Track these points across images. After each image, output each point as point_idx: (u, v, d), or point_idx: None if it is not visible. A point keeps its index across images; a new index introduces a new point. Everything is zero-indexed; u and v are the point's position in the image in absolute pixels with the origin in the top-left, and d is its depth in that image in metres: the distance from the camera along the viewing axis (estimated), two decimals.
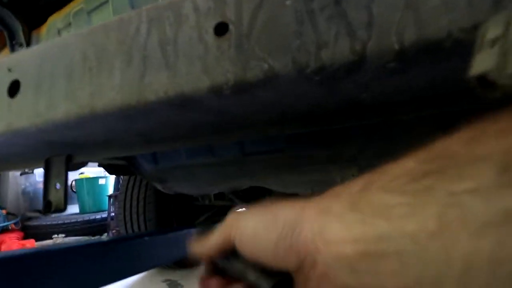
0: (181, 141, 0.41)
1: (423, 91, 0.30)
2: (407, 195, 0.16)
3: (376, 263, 0.16)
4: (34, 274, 0.25)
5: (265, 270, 0.22)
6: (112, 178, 3.16)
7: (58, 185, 0.47)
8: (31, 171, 3.40)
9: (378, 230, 0.16)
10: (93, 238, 2.79)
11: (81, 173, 3.39)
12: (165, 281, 1.38)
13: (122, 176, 1.39)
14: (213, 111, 0.30)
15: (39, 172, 3.35)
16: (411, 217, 0.15)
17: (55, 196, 0.47)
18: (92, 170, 3.41)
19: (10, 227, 2.91)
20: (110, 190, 3.16)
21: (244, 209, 0.25)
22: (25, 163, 0.53)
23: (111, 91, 0.28)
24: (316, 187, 0.63)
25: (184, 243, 0.54)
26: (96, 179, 3.25)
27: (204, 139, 0.40)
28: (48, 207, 0.46)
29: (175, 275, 1.44)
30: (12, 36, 0.68)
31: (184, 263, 1.46)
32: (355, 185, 0.19)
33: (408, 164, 0.17)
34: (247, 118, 0.34)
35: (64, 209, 0.46)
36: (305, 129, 0.37)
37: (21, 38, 0.67)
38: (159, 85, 0.26)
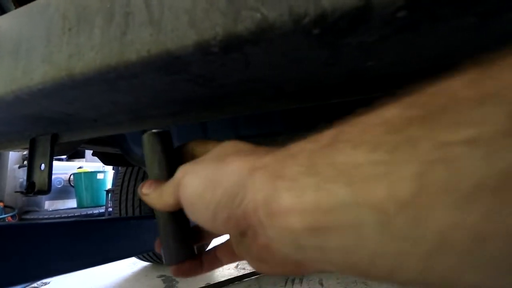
0: (170, 118, 0.38)
1: (438, 59, 0.27)
2: (381, 150, 0.12)
3: (326, 238, 0.14)
4: (22, 246, 0.22)
5: None
6: (110, 173, 3.14)
7: (43, 166, 0.45)
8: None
9: (333, 199, 0.13)
10: None
11: (80, 167, 3.37)
12: (160, 276, 1.36)
13: (120, 170, 1.37)
14: (201, 77, 0.27)
15: None
16: (380, 180, 0.12)
17: (40, 177, 0.44)
18: (90, 165, 3.40)
19: (7, 220, 2.89)
20: (109, 185, 3.14)
21: (193, 161, 0.23)
22: (9, 143, 0.50)
23: (90, 51, 0.26)
24: None
25: None
26: (94, 173, 3.23)
27: (195, 115, 0.37)
28: (31, 188, 0.43)
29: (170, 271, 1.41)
30: (3, 10, 0.66)
31: None
32: (320, 140, 0.15)
33: (389, 111, 0.13)
34: (239, 89, 0.31)
35: (48, 191, 0.43)
36: (303, 104, 0.34)
37: None
38: (141, 43, 0.24)
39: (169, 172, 0.27)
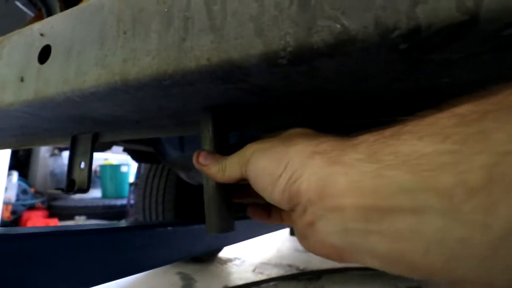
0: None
1: None
2: (451, 141, 0.13)
3: (378, 220, 0.14)
4: (51, 252, 0.22)
5: None
6: (134, 166, 3.23)
7: (83, 164, 0.45)
8: (59, 153, 3.55)
9: (396, 183, 0.14)
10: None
11: (106, 159, 3.49)
12: (178, 273, 1.37)
13: (143, 165, 1.39)
14: (258, 87, 0.26)
15: (66, 155, 3.48)
16: (448, 169, 0.12)
17: (79, 175, 0.45)
18: (116, 157, 3.51)
19: (36, 205, 3.05)
20: (131, 178, 3.24)
21: (258, 140, 0.25)
22: (52, 139, 0.51)
23: (146, 56, 0.25)
24: None
25: (207, 238, 0.51)
26: (119, 166, 3.34)
27: (239, 124, 0.36)
28: (71, 186, 0.44)
29: (188, 269, 1.43)
30: (50, 13, 0.68)
31: (199, 257, 1.45)
32: (384, 132, 0.16)
33: (460, 107, 0.14)
34: (293, 101, 0.29)
35: (87, 189, 0.44)
36: (357, 119, 0.32)
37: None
38: (201, 50, 0.23)
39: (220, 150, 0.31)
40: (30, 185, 3.14)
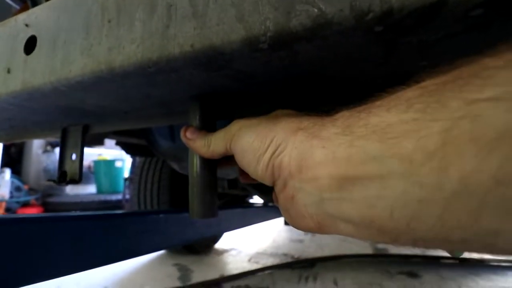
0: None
1: None
2: (413, 110, 0.14)
3: (350, 190, 0.15)
4: (44, 237, 0.22)
5: None
6: (128, 161, 3.22)
7: (74, 156, 0.45)
8: (52, 150, 3.51)
9: (365, 152, 0.15)
10: None
11: (100, 155, 3.47)
12: (175, 265, 1.39)
13: (137, 159, 1.39)
14: (241, 73, 0.26)
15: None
16: (410, 136, 0.13)
17: (71, 167, 0.45)
18: (109, 153, 3.49)
19: (31, 202, 3.03)
20: (126, 173, 3.22)
21: (244, 119, 0.26)
22: (41, 132, 0.51)
23: (131, 44, 0.25)
24: None
25: (199, 225, 0.52)
26: (113, 161, 3.32)
27: (228, 112, 0.36)
28: (63, 177, 0.44)
29: (186, 260, 1.44)
30: (35, 4, 0.67)
31: (195, 249, 1.46)
32: (358, 108, 0.18)
33: (424, 80, 0.15)
34: (278, 89, 0.30)
35: (79, 180, 0.44)
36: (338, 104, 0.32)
37: None
38: (184, 37, 0.23)
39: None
40: (23, 182, 3.11)
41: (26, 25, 0.34)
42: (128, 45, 0.25)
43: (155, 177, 1.29)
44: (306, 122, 0.20)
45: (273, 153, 0.21)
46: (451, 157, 0.12)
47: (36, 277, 0.23)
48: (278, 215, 0.97)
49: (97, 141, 0.76)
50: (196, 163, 0.31)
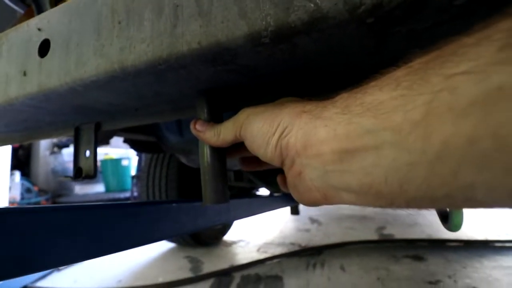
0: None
1: None
2: (401, 88, 0.16)
3: (350, 160, 0.17)
4: (60, 228, 0.25)
5: None
6: (134, 159, 3.26)
7: (88, 153, 0.48)
8: (59, 151, 3.56)
9: (361, 128, 0.17)
10: None
11: (106, 154, 3.51)
12: (186, 257, 1.42)
13: (144, 156, 1.42)
14: (245, 67, 0.28)
15: (67, 152, 3.51)
16: (399, 110, 0.15)
17: (85, 163, 0.47)
18: (116, 152, 3.53)
19: (41, 203, 3.09)
20: (133, 171, 3.27)
21: (257, 106, 0.27)
22: (55, 131, 0.53)
23: (141, 44, 0.27)
24: None
25: (209, 214, 0.54)
26: (119, 160, 3.37)
27: (233, 105, 0.38)
28: (79, 173, 0.46)
29: (196, 253, 1.48)
30: (40, 9, 0.69)
31: (204, 241, 1.50)
32: (355, 89, 0.20)
33: (412, 61, 0.17)
34: (280, 80, 0.32)
35: (94, 176, 0.46)
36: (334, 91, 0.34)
37: (48, 9, 0.67)
38: (192, 35, 0.25)
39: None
40: (33, 184, 3.17)
41: (39, 29, 0.36)
42: (139, 45, 0.27)
43: (162, 172, 1.32)
44: (309, 105, 0.22)
45: (281, 135, 0.23)
46: (433, 125, 0.14)
47: (65, 260, 0.25)
48: (284, 204, 1.00)
49: (103, 141, 0.78)
50: (206, 153, 0.33)
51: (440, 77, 0.14)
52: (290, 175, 0.24)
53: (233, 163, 0.86)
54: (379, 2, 0.19)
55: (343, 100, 0.20)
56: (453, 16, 0.21)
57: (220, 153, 0.33)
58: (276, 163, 0.24)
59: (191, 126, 0.33)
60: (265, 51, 0.24)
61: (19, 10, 0.77)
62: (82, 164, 0.47)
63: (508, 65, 0.12)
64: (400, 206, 0.17)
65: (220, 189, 0.32)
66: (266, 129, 0.24)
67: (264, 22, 0.22)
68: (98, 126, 0.47)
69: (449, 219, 0.41)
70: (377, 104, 0.17)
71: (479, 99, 0.13)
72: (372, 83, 0.18)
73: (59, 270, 1.35)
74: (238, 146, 0.31)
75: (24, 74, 0.36)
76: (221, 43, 0.24)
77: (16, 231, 0.23)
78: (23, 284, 1.14)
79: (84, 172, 0.46)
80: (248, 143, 0.27)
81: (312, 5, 0.20)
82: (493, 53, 0.13)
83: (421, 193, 0.15)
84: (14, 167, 3.14)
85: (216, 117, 0.34)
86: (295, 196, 0.25)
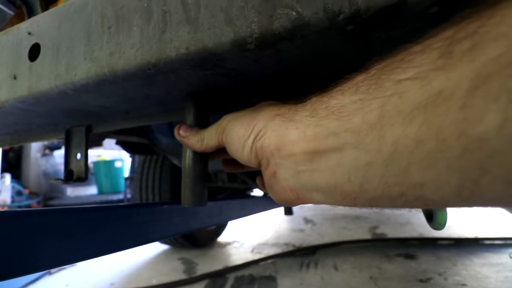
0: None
1: None
2: (360, 92, 0.17)
3: (318, 160, 0.19)
4: (51, 231, 0.25)
5: None
6: (127, 161, 3.23)
7: (79, 155, 0.48)
8: (50, 153, 3.52)
9: (327, 129, 0.18)
10: None
11: (99, 156, 3.48)
12: (180, 259, 1.42)
13: (137, 158, 1.41)
14: (233, 71, 0.29)
15: (58, 154, 3.46)
16: (357, 113, 0.16)
17: (76, 165, 0.48)
18: (108, 153, 3.50)
19: (32, 206, 3.05)
20: (126, 173, 3.25)
21: (237, 112, 0.28)
22: (45, 134, 0.53)
23: (131, 49, 0.28)
24: None
25: (201, 215, 0.55)
26: (112, 162, 3.34)
27: (222, 108, 0.39)
28: (70, 176, 0.46)
29: (190, 254, 1.48)
30: (30, 11, 0.68)
31: (198, 242, 1.50)
32: (323, 93, 0.21)
33: (370, 68, 0.18)
34: (268, 83, 0.33)
35: (85, 178, 0.47)
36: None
37: (39, 12, 0.67)
38: (180, 41, 0.25)
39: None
40: (24, 186, 3.13)
41: (29, 33, 0.36)
42: (128, 50, 0.28)
43: (156, 174, 1.31)
44: (283, 109, 0.23)
45: (255, 137, 0.24)
46: (386, 127, 0.15)
47: (56, 262, 0.26)
48: (277, 205, 1.00)
49: (96, 142, 0.78)
50: (188, 156, 0.33)
51: (391, 82, 0.15)
52: (266, 176, 0.25)
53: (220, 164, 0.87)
54: (357, 11, 0.20)
55: (312, 103, 0.21)
56: (428, 22, 0.22)
57: (202, 157, 0.34)
58: (253, 164, 0.25)
59: (175, 132, 0.33)
60: (251, 56, 0.25)
61: (9, 12, 0.77)
62: (73, 166, 0.47)
63: (447, 71, 0.13)
64: (363, 205, 0.18)
65: (198, 193, 0.33)
66: (242, 133, 0.25)
67: (249, 29, 0.23)
68: (89, 129, 0.47)
69: (434, 218, 0.43)
70: (340, 107, 0.18)
71: (422, 103, 0.14)
72: (338, 87, 0.19)
73: (50, 273, 1.34)
74: (221, 149, 0.31)
75: (15, 77, 0.36)
76: (208, 49, 0.24)
77: (6, 233, 0.24)
78: None
79: (75, 174, 0.46)
80: (227, 148, 0.28)
81: (294, 13, 0.21)
82: (434, 60, 0.14)
83: (379, 192, 0.16)
84: (4, 169, 3.09)
85: (203, 121, 0.35)
86: (272, 195, 0.26)
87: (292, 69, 0.29)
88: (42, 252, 0.22)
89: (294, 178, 0.21)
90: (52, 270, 1.34)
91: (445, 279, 1.02)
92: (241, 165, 0.35)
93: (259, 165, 0.25)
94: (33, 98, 0.35)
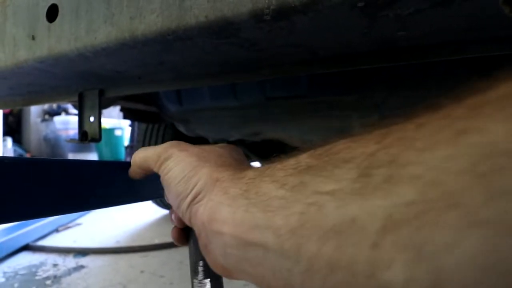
0: (208, 79, 0.42)
1: (463, 33, 0.29)
2: (285, 188, 0.16)
3: (245, 249, 0.17)
4: (41, 180, 0.25)
5: None
6: (127, 129, 3.25)
7: (92, 118, 0.50)
8: (50, 118, 3.52)
9: (254, 219, 0.17)
10: None
11: None
12: None
13: (136, 128, 1.43)
14: (247, 41, 0.30)
15: (58, 120, 3.47)
16: (281, 212, 0.15)
17: (90, 127, 0.50)
18: (108, 122, 3.51)
19: None
20: (126, 142, 3.28)
21: (182, 144, 0.26)
22: (58, 95, 0.55)
23: (151, 14, 0.29)
24: (334, 134, 0.64)
25: None
26: (112, 130, 3.36)
27: (231, 77, 0.41)
28: (85, 136, 0.49)
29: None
30: None
31: None
32: (259, 169, 0.20)
33: (298, 157, 0.17)
34: (279, 54, 0.34)
35: (99, 139, 0.49)
36: (334, 69, 0.37)
37: None
38: (199, 9, 0.27)
39: None
40: (26, 151, 3.16)
41: None
42: (149, 15, 0.29)
43: (158, 143, 1.34)
44: (226, 173, 0.21)
45: (193, 200, 0.22)
46: (303, 238, 0.14)
47: (39, 212, 0.25)
48: None
49: (112, 101, 0.79)
50: None
51: (312, 190, 0.14)
52: (200, 242, 0.23)
53: (231, 126, 0.89)
54: None
55: (246, 181, 0.19)
56: (432, 4, 0.23)
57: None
58: (187, 223, 0.24)
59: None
60: (266, 27, 0.27)
61: None
62: (87, 128, 0.50)
63: (362, 199, 0.12)
64: None
65: None
66: (181, 189, 0.22)
67: (267, 1, 0.24)
68: (102, 93, 0.49)
69: None
70: (267, 199, 0.16)
71: (337, 226, 0.12)
72: (267, 171, 0.18)
73: (58, 231, 1.41)
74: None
75: (33, 38, 0.38)
76: (226, 18, 0.26)
77: None
78: (24, 242, 1.20)
79: (90, 135, 0.49)
80: (164, 186, 0.25)
81: None
82: (353, 178, 0.13)
83: None
84: (4, 133, 3.11)
85: None
86: (207, 261, 0.24)
87: (303, 41, 0.31)
88: (24, 201, 0.23)
89: (224, 258, 0.20)
90: (59, 229, 1.41)
91: None
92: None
93: (193, 227, 0.23)
94: (53, 59, 0.37)
